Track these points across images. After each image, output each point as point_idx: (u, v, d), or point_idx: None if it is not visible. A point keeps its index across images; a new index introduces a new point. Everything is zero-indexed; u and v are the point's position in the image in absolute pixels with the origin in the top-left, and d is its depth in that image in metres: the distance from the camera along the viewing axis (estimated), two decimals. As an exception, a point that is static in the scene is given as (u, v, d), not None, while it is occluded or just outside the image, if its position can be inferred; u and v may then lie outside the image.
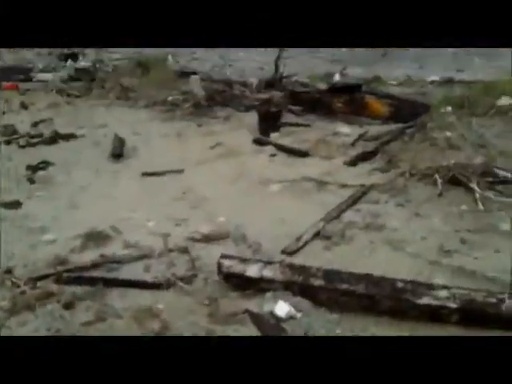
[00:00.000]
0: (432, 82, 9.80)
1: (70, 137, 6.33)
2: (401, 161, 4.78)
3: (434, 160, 4.52)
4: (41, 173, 5.26)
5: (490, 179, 4.01)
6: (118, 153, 5.67)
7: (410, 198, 4.17)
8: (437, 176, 4.12)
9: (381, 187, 4.43)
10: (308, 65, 14.65)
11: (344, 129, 6.29)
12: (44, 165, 5.39)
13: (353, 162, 5.10)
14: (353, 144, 5.64)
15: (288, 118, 6.77)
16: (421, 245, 3.53)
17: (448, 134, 4.92)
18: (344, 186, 4.58)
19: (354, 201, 4.24)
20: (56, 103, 8.04)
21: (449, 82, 9.35)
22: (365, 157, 5.22)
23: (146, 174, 5.12)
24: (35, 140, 6.19)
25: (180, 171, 5.21)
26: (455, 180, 4.08)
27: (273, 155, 5.62)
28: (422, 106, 6.10)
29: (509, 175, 4.00)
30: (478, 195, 3.85)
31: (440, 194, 4.04)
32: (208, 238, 3.72)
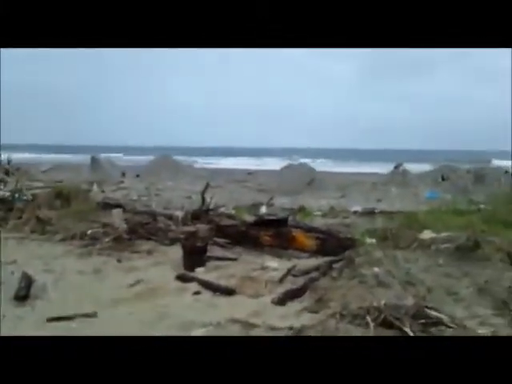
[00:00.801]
0: (355, 213, 10.20)
1: (-30, 275, 5.69)
2: (330, 300, 4.58)
3: (364, 299, 4.35)
4: None
5: (423, 321, 3.84)
6: (23, 294, 5.08)
7: (342, 343, 3.89)
8: (368, 318, 3.92)
9: (311, 330, 4.13)
10: (235, 194, 15.00)
11: (272, 263, 6.16)
12: None
13: (281, 301, 4.84)
14: (281, 280, 5.43)
15: (214, 251, 6.57)
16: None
17: (376, 269, 4.84)
18: (272, 328, 4.26)
19: (283, 347, 3.90)
20: (-36, 236, 7.40)
21: (371, 213, 9.76)
22: (293, 294, 5.00)
23: (51, 320, 4.54)
24: None
25: (92, 315, 4.68)
26: (387, 322, 3.88)
27: (197, 293, 5.27)
28: (348, 240, 6.13)
29: (441, 316, 3.86)
30: (412, 340, 3.64)
31: (373, 339, 3.79)
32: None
